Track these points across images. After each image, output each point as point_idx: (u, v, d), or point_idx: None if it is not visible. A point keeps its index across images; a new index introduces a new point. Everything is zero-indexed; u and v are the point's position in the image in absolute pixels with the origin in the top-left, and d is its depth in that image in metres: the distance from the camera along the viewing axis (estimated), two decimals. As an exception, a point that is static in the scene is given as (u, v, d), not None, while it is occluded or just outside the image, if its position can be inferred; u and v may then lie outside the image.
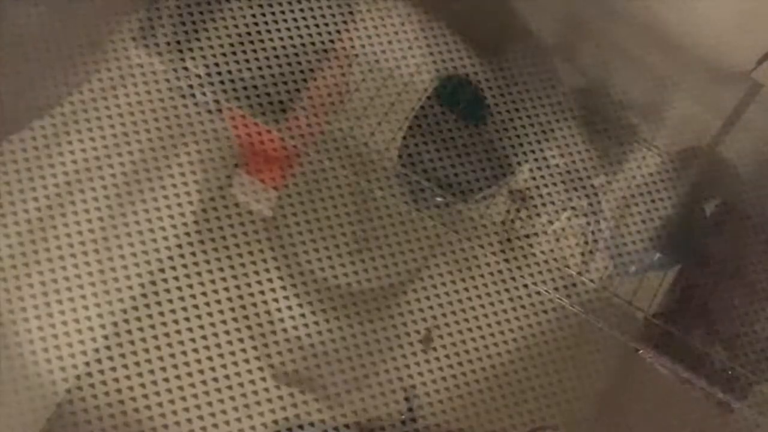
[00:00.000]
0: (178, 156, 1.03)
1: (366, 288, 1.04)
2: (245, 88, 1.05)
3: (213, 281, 1.01)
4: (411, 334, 1.06)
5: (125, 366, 0.95)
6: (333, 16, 1.10)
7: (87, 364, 0.95)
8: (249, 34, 1.07)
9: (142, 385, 0.95)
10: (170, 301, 0.99)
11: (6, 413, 0.92)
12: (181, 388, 0.95)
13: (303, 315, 1.02)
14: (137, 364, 0.95)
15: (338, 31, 1.10)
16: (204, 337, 0.98)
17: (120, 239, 0.99)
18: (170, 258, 1.00)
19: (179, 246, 1.01)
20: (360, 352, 1.02)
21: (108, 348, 0.95)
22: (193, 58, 1.05)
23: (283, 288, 1.02)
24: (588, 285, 1.10)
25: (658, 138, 1.20)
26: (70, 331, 0.95)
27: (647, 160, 1.19)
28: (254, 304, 1.00)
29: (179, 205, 1.02)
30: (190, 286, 1.00)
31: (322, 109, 1.14)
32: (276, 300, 1.01)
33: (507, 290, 1.08)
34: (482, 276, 1.08)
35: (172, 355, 0.96)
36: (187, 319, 0.99)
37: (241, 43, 1.07)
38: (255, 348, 0.99)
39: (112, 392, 0.94)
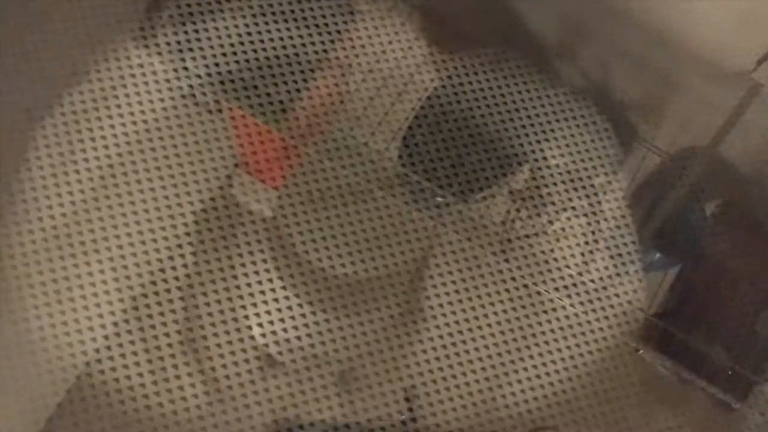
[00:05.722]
0: (178, 156, 1.03)
1: (366, 288, 1.04)
2: (245, 88, 1.05)
3: (213, 281, 1.01)
4: (411, 334, 1.06)
5: (125, 366, 0.95)
6: (333, 15, 1.10)
7: (87, 364, 0.95)
8: (249, 34, 1.07)
9: (142, 385, 0.95)
10: (170, 301, 0.99)
11: (13, 400, 0.92)
12: (180, 388, 0.96)
13: (303, 315, 1.02)
14: (137, 364, 0.95)
15: (339, 31, 1.10)
16: (204, 337, 0.98)
17: (120, 239, 0.99)
18: (170, 258, 1.00)
19: (179, 246, 1.01)
20: (360, 352, 1.02)
21: (108, 348, 0.95)
22: (194, 58, 1.05)
23: (283, 288, 1.02)
24: (588, 285, 1.10)
25: (658, 138, 1.20)
26: (70, 331, 0.95)
27: (647, 160, 1.19)
28: (254, 304, 1.00)
29: (179, 205, 1.02)
30: (190, 287, 1.00)
31: (322, 109, 1.13)
32: (276, 300, 1.01)
33: (507, 290, 1.09)
34: (482, 276, 1.08)
35: (172, 356, 0.97)
36: (187, 319, 0.99)
37: (242, 43, 1.07)
38: (255, 348, 0.99)
39: (113, 392, 0.94)
